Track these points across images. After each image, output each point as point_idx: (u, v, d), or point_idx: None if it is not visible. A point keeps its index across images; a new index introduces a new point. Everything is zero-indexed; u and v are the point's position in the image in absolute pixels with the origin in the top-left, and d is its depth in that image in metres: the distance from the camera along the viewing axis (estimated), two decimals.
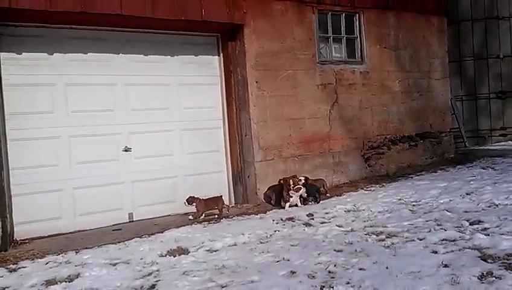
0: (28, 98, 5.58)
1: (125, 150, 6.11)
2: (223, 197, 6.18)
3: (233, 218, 5.79)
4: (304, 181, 6.22)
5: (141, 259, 4.30)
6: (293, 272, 3.64)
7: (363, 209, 5.60)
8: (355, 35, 7.83)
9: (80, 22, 5.72)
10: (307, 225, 5.16)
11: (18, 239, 5.33)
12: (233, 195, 6.89)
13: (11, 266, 4.42)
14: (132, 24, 6.04)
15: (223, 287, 3.49)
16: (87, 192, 5.83)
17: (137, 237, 5.16)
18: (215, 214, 5.99)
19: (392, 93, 8.21)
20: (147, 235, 5.19)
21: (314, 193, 6.28)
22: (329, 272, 3.59)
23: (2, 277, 4.14)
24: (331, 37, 7.56)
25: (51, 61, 5.74)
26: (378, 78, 8.01)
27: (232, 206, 6.68)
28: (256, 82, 6.70)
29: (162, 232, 5.27)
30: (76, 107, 5.84)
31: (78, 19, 5.62)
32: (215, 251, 4.46)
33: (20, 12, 5.17)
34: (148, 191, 6.22)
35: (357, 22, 7.82)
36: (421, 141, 8.58)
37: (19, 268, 4.34)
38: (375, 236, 4.44)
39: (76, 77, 5.87)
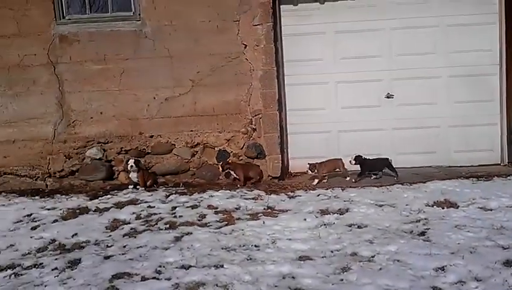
0: (302, 46, 6.09)
1: (387, 97, 6.09)
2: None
3: (509, 177, 5.13)
4: None
5: (407, 205, 4.35)
6: None
7: None
8: None
9: None
10: None
11: (292, 172, 6.13)
12: (506, 152, 6.05)
13: (289, 193, 5.16)
14: None
15: (504, 248, 3.19)
16: (350, 136, 6.14)
17: (398, 183, 5.22)
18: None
19: None
20: (408, 184, 5.18)
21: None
22: None
23: (283, 200, 4.88)
24: None
25: (321, 11, 6.07)
26: None
27: (505, 165, 5.93)
28: None
29: (424, 182, 5.17)
30: (343, 54, 6.08)
31: None
32: (490, 209, 4.11)
33: None
34: (408, 140, 6.10)
35: None
36: None
37: (296, 196, 5.03)
38: None
39: (344, 24, 6.05)
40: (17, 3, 5.63)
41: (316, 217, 4.19)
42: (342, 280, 2.92)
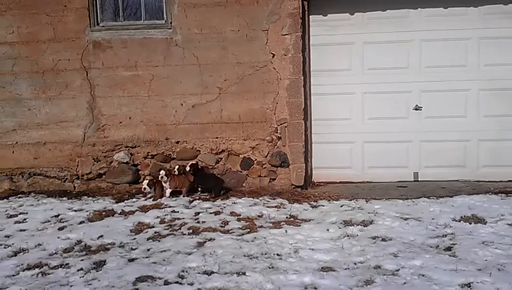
0: (329, 56, 6.08)
1: (416, 109, 6.01)
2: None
3: None
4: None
5: (432, 219, 4.27)
6: None
7: None
8: None
9: None
10: None
11: (315, 181, 6.10)
12: None
13: (312, 202, 5.14)
14: None
15: None
16: (376, 147, 6.08)
17: (424, 197, 5.13)
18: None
19: None
20: (434, 197, 5.09)
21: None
22: None
23: (306, 210, 4.87)
24: None
25: (351, 21, 6.06)
26: None
27: None
28: None
29: (451, 196, 5.07)
30: (371, 65, 6.04)
31: None
32: None
33: None
34: (436, 152, 6.00)
35: None
36: None
37: (319, 205, 5.01)
38: None
39: (373, 35, 6.01)
40: (54, 10, 5.85)
41: (339, 227, 4.15)
42: None
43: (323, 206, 4.98)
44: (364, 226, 4.17)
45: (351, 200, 5.13)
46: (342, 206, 4.91)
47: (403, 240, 3.76)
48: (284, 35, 5.66)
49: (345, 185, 5.99)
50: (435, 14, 5.93)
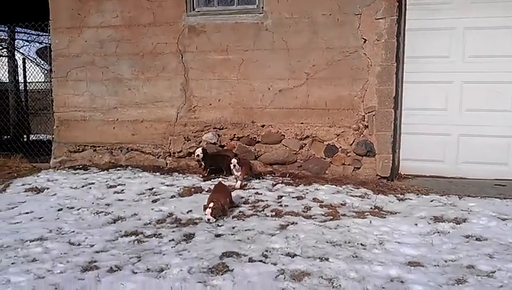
0: (425, 42, 5.74)
1: None
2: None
3: None
4: None
5: None
6: None
7: None
8: None
9: None
10: None
11: (402, 173, 5.85)
12: None
13: (399, 195, 4.95)
14: None
15: None
16: (472, 141, 5.66)
17: None
18: None
19: None
20: None
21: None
22: None
23: (392, 202, 4.72)
24: None
25: (453, 5, 5.64)
26: None
27: None
28: None
29: None
30: (473, 52, 5.59)
31: None
32: None
33: None
34: None
35: None
36: None
37: (406, 199, 4.82)
38: None
39: (476, 20, 5.56)
40: None
41: (429, 223, 3.97)
42: None
43: (411, 199, 4.78)
44: (456, 224, 3.94)
45: (442, 195, 4.86)
46: (432, 201, 4.68)
47: (500, 241, 3.50)
48: (378, 19, 5.44)
49: (436, 179, 5.66)
50: None
